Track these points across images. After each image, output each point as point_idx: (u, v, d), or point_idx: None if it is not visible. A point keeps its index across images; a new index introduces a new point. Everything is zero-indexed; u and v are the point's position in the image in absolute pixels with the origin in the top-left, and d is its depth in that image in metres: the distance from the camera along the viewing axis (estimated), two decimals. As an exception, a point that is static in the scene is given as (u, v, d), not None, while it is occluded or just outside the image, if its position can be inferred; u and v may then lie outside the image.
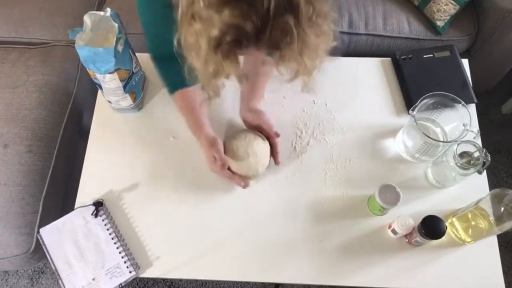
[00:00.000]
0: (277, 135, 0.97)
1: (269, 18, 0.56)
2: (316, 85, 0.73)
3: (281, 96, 1.09)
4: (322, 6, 0.61)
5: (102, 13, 0.91)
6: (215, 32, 0.57)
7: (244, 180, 0.95)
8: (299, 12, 0.57)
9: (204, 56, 0.61)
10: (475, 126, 0.99)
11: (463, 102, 0.91)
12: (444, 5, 1.35)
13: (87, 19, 0.90)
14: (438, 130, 1.00)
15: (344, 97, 1.09)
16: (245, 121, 1.01)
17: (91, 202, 0.96)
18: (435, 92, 0.92)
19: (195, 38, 0.60)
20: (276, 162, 0.98)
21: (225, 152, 0.95)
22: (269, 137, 0.98)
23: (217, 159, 0.92)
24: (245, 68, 0.93)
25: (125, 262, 0.91)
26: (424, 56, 1.11)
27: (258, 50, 0.61)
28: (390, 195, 0.89)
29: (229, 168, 0.95)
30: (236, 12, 0.55)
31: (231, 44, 0.58)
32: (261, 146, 0.96)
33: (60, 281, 0.90)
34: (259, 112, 0.99)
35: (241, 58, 0.65)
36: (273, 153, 0.98)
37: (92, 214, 0.95)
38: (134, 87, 1.01)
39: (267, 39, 0.58)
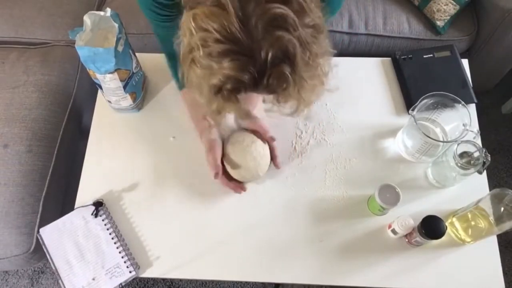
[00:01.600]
0: (272, 139, 0.97)
1: (266, 69, 0.58)
2: (313, 114, 0.74)
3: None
4: (320, 48, 0.62)
5: (102, 13, 0.91)
6: (214, 80, 0.60)
7: (240, 186, 0.96)
8: (295, 61, 0.59)
9: (207, 97, 0.64)
10: (475, 126, 0.99)
11: (463, 102, 0.91)
12: (444, 5, 1.35)
13: (87, 19, 0.90)
14: (438, 130, 1.00)
15: (344, 97, 1.09)
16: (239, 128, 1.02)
17: (91, 202, 0.96)
18: (435, 92, 0.92)
19: (197, 79, 0.63)
20: (276, 166, 0.99)
21: (223, 156, 0.95)
22: (266, 141, 0.98)
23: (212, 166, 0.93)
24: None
25: (125, 262, 0.91)
26: (424, 56, 1.11)
27: (257, 93, 0.64)
28: (390, 195, 0.89)
29: (227, 173, 0.96)
30: (235, 64, 0.57)
31: (230, 90, 0.61)
32: (260, 150, 0.95)
33: (60, 281, 0.90)
34: (253, 118, 0.99)
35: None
36: (272, 157, 0.98)
37: (92, 214, 0.95)
38: (134, 87, 1.01)
39: (264, 87, 0.60)
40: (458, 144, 0.87)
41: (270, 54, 0.57)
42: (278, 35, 0.56)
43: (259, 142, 0.96)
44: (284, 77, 0.59)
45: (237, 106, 0.65)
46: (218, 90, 0.61)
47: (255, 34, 0.56)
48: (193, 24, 0.59)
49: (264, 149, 0.96)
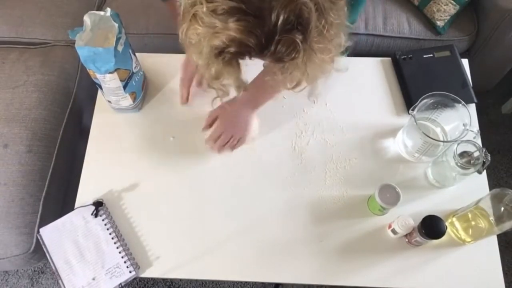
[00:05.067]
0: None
1: (276, 34, 0.53)
2: (321, 92, 0.70)
3: (281, 96, 1.09)
4: (337, 16, 0.57)
5: (102, 13, 0.91)
6: (217, 41, 0.54)
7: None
8: (308, 28, 0.53)
9: (206, 59, 0.58)
10: (475, 126, 0.99)
11: (463, 102, 0.91)
12: (444, 5, 1.34)
13: (87, 19, 0.90)
14: (438, 130, 1.00)
15: (344, 97, 1.09)
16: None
17: (91, 202, 0.96)
18: (435, 92, 0.92)
19: (197, 38, 0.57)
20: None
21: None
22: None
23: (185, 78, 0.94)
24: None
25: (125, 262, 0.91)
26: (424, 56, 1.11)
27: (261, 59, 0.59)
28: (390, 195, 0.89)
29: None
30: (241, 25, 0.52)
31: (233, 54, 0.56)
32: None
33: (60, 281, 0.90)
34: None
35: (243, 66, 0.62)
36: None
37: (92, 214, 0.95)
38: (134, 87, 1.01)
39: (271, 54, 0.55)
40: (458, 144, 0.87)
41: (281, 17, 0.51)
42: None
43: None
44: (294, 45, 0.54)
45: (237, 73, 0.59)
46: (220, 52, 0.55)
47: None
48: None
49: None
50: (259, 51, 0.55)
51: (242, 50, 0.55)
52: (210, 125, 1.03)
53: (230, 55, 0.56)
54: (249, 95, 0.93)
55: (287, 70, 0.60)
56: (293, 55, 0.55)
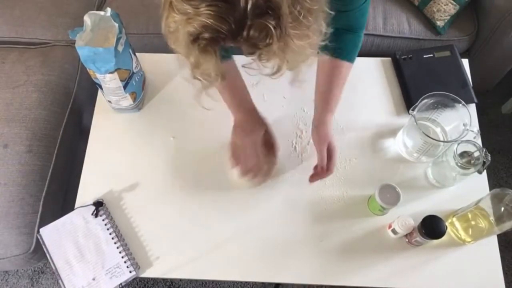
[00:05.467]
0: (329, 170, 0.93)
1: (247, 18, 0.52)
2: (305, 77, 0.70)
3: (281, 96, 1.09)
4: (313, 4, 0.56)
5: (102, 13, 0.91)
6: (190, 28, 0.54)
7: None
8: (279, 12, 0.53)
9: (185, 47, 0.58)
10: (475, 126, 0.99)
11: (463, 102, 0.91)
12: (444, 5, 1.34)
13: (87, 19, 0.90)
14: (438, 130, 1.00)
15: (344, 97, 1.08)
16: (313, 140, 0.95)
17: (91, 202, 0.96)
18: (435, 92, 0.92)
19: (175, 26, 0.57)
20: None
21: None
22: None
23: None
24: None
25: (125, 262, 0.91)
26: (424, 56, 1.11)
27: (237, 46, 0.58)
28: (390, 195, 0.89)
29: None
30: (212, 10, 0.52)
31: (207, 40, 0.55)
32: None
33: (60, 281, 0.90)
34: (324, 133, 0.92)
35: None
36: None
37: (92, 214, 0.95)
38: (134, 87, 1.01)
39: (244, 40, 0.55)
40: (458, 144, 0.87)
41: (250, 2, 0.51)
42: None
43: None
44: (266, 30, 0.53)
45: (214, 61, 0.59)
46: (195, 39, 0.55)
47: None
48: None
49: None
50: (232, 37, 0.54)
51: (215, 36, 0.54)
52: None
53: (205, 42, 0.56)
54: (327, 108, 0.95)
55: (263, 58, 0.59)
56: (267, 40, 0.54)
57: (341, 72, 0.93)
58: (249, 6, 0.51)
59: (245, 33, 0.53)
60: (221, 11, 0.52)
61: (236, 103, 0.96)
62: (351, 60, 0.92)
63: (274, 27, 0.53)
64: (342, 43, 0.89)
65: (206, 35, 0.54)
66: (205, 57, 0.58)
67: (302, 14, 0.54)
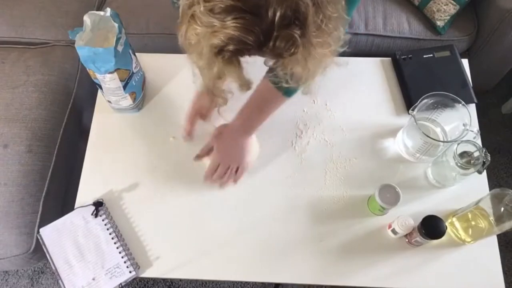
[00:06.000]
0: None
1: (273, 30, 0.53)
2: (316, 88, 0.71)
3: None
4: (335, 10, 0.57)
5: (102, 13, 0.91)
6: (216, 40, 0.55)
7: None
8: (306, 22, 0.54)
9: (207, 59, 0.59)
10: (475, 126, 0.99)
11: (463, 102, 0.91)
12: (444, 5, 1.34)
13: (87, 19, 0.90)
14: (438, 130, 1.00)
15: (344, 97, 1.09)
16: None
17: (91, 202, 0.96)
18: (435, 92, 0.92)
19: (196, 38, 0.57)
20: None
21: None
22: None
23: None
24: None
25: (125, 262, 0.91)
26: (424, 56, 1.11)
27: (261, 56, 0.59)
28: (390, 195, 0.89)
29: None
30: (239, 22, 0.52)
31: (232, 52, 0.56)
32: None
33: (60, 281, 0.90)
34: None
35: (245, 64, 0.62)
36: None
37: (92, 214, 0.95)
38: (134, 87, 1.01)
39: (270, 50, 0.56)
40: (458, 144, 0.87)
41: (278, 13, 0.52)
42: None
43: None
44: (293, 40, 0.54)
45: (238, 72, 0.60)
46: (219, 51, 0.56)
47: None
48: None
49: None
50: (258, 48, 0.55)
51: (241, 48, 0.55)
52: (206, 154, 0.99)
53: (229, 53, 0.56)
54: (242, 119, 0.95)
55: (287, 66, 0.60)
56: (292, 50, 0.56)
57: (275, 102, 0.94)
58: (277, 18, 0.52)
59: (271, 43, 0.54)
60: (248, 23, 0.52)
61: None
62: (289, 96, 0.92)
63: (300, 36, 0.54)
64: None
65: (231, 47, 0.55)
66: (229, 69, 0.59)
67: (324, 22, 0.56)
